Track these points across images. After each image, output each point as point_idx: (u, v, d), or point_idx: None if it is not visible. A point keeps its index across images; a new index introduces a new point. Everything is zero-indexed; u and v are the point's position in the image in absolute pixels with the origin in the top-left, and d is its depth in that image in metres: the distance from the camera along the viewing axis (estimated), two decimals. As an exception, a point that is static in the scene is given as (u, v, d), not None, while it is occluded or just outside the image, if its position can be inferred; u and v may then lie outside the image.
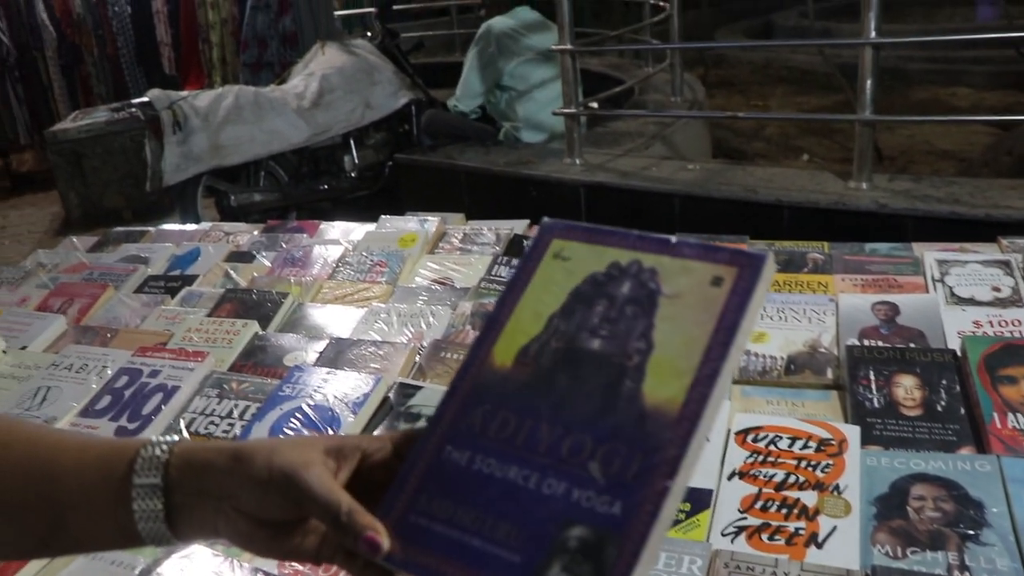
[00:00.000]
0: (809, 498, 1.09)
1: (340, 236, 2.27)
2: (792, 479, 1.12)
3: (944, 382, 1.27)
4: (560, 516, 0.59)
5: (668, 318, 0.64)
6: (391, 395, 1.43)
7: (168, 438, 0.66)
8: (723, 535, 1.06)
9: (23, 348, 1.80)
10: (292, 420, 1.38)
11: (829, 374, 1.38)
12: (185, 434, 1.43)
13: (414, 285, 1.89)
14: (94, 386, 1.58)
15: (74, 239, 2.56)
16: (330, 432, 1.34)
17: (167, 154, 4.21)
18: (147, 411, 1.49)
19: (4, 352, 1.75)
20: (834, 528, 1.04)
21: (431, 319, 1.69)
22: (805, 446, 1.17)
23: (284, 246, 2.20)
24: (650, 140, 4.21)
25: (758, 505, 1.09)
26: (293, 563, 1.07)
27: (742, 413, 1.28)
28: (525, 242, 1.96)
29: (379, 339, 1.64)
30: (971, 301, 1.55)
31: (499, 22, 4.43)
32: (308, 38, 5.62)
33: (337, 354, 1.59)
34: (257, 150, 4.44)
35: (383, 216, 2.32)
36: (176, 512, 0.64)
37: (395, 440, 0.68)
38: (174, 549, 1.12)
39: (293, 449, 0.63)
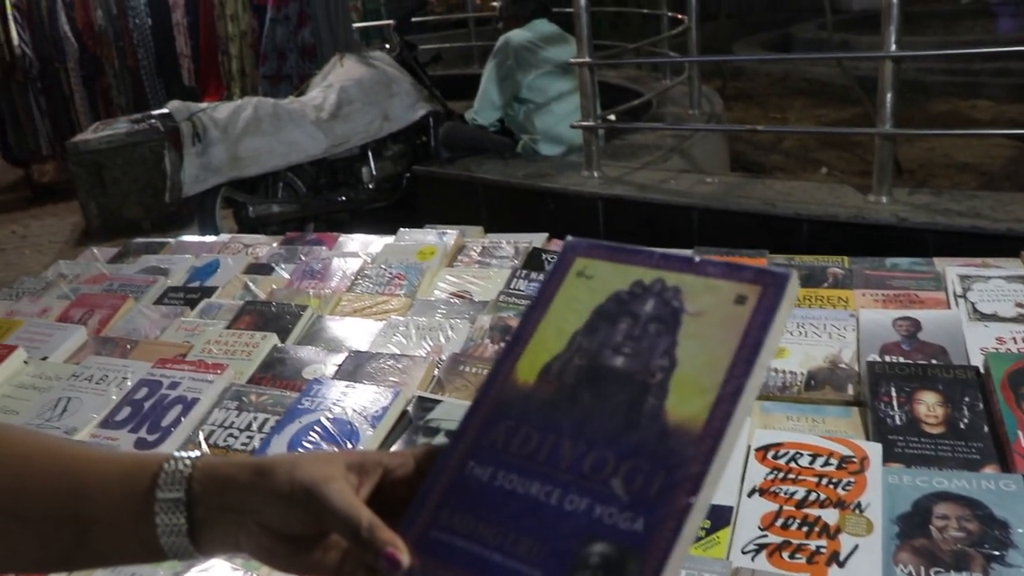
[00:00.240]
0: (830, 516, 1.08)
1: (359, 248, 2.27)
2: (813, 496, 1.11)
3: (967, 399, 1.26)
4: (582, 532, 0.59)
5: (691, 336, 0.64)
6: (410, 409, 1.43)
7: (191, 453, 0.66)
8: (743, 552, 1.05)
9: (44, 359, 1.81)
10: (311, 433, 1.38)
11: (850, 390, 1.37)
12: (204, 446, 1.43)
13: (433, 298, 1.89)
14: (114, 397, 1.59)
15: (94, 250, 2.58)
16: (349, 445, 1.34)
17: (186, 165, 4.24)
18: (166, 423, 1.50)
19: (25, 362, 1.77)
20: (856, 547, 1.03)
21: (450, 332, 1.69)
22: (826, 463, 1.16)
23: (303, 258, 2.21)
24: (668, 153, 4.21)
25: (779, 522, 1.09)
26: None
27: (762, 429, 1.27)
28: (544, 255, 1.96)
29: (398, 352, 1.64)
30: (994, 317, 1.53)
31: (517, 35, 4.44)
32: (327, 50, 5.66)
33: (356, 367, 1.59)
34: (275, 161, 4.47)
35: (402, 229, 2.32)
36: (198, 526, 0.64)
37: (417, 457, 0.68)
38: (194, 563, 1.12)
39: (315, 464, 0.63)
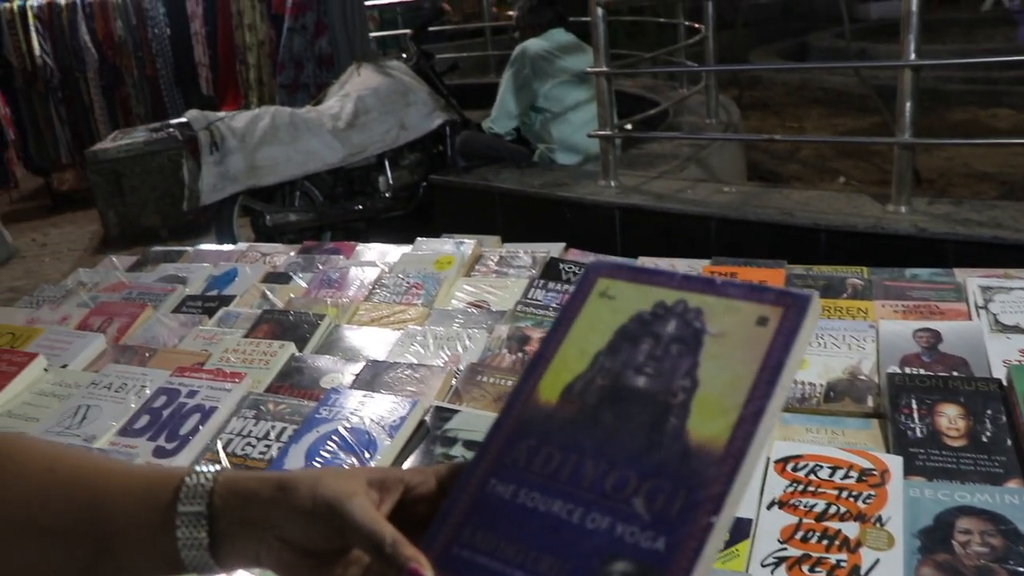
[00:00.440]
0: (851, 529, 1.07)
1: (376, 258, 2.27)
2: (833, 509, 1.10)
3: (989, 412, 1.25)
4: (604, 550, 0.59)
5: (713, 357, 0.64)
6: (427, 418, 1.42)
7: (213, 467, 0.66)
8: (763, 566, 1.05)
9: (64, 366, 1.82)
10: (328, 443, 1.38)
11: (869, 402, 1.36)
12: (222, 455, 1.43)
13: (450, 308, 1.89)
14: (133, 405, 1.60)
15: (113, 258, 2.59)
16: (367, 455, 1.34)
17: (204, 174, 4.27)
18: (185, 431, 1.50)
19: (46, 370, 1.78)
20: (877, 561, 1.02)
21: (467, 342, 1.69)
22: (846, 476, 1.15)
23: (320, 267, 2.21)
24: (685, 162, 4.20)
25: (798, 536, 1.08)
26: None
27: (781, 441, 1.26)
28: (561, 265, 1.96)
29: (415, 362, 1.64)
30: (1016, 329, 1.52)
31: (534, 44, 4.45)
32: (344, 59, 5.68)
33: (373, 376, 1.59)
34: (292, 170, 4.49)
35: (419, 238, 2.32)
36: (219, 540, 0.64)
37: (439, 475, 0.68)
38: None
39: (337, 479, 0.63)
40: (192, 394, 1.58)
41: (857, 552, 1.03)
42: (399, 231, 4.71)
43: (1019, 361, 1.39)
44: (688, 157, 4.29)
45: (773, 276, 1.83)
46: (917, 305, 1.64)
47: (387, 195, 4.93)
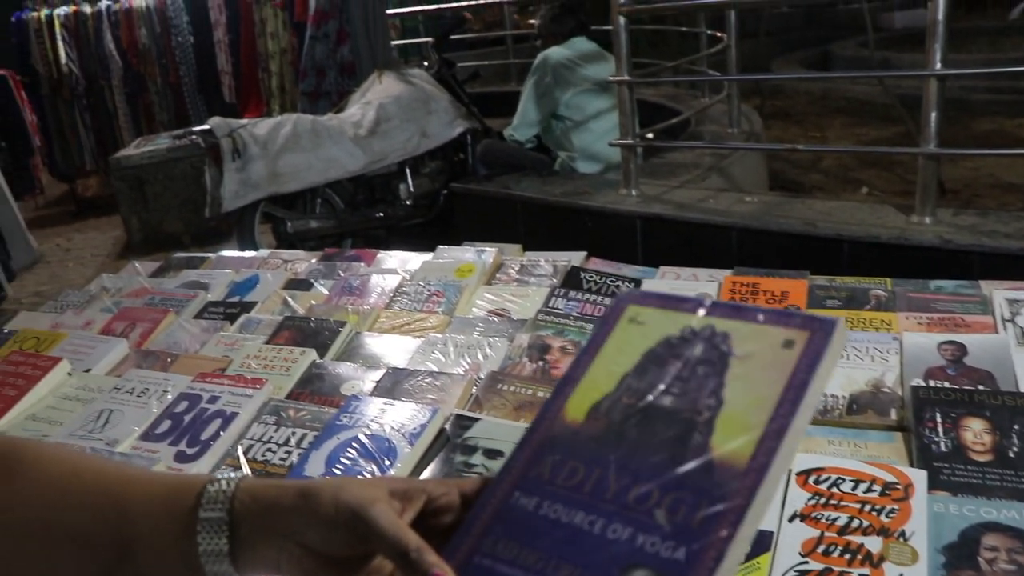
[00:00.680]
0: (873, 544, 1.06)
1: (397, 265, 2.28)
2: (856, 523, 1.09)
3: (1016, 427, 1.23)
4: (624, 560, 0.59)
5: (739, 377, 0.65)
6: (447, 426, 1.42)
7: (234, 474, 0.67)
8: (784, 580, 1.04)
9: (87, 371, 1.83)
10: (349, 450, 1.38)
11: (893, 415, 1.35)
12: (243, 460, 1.44)
13: (471, 316, 1.89)
14: (155, 410, 1.60)
15: (136, 264, 2.61)
16: (387, 463, 1.34)
17: (226, 181, 4.29)
18: (206, 436, 1.51)
19: (69, 374, 1.79)
20: (901, 576, 1.01)
21: (488, 350, 1.69)
22: (869, 489, 1.14)
23: (342, 274, 2.22)
24: (706, 171, 4.19)
25: (820, 549, 1.06)
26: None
27: (803, 453, 1.25)
28: (582, 274, 1.95)
29: (436, 370, 1.64)
30: (1043, 343, 1.50)
31: (556, 52, 4.45)
32: (365, 67, 5.71)
33: (394, 384, 1.59)
34: (314, 178, 4.51)
35: (440, 246, 2.32)
36: (240, 547, 0.64)
37: (464, 488, 0.68)
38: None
39: (359, 487, 0.63)
40: (213, 400, 1.59)
41: (880, 567, 1.02)
42: (420, 239, 4.73)
43: (1046, 375, 1.38)
44: (710, 166, 4.27)
45: (795, 287, 1.81)
46: (942, 317, 1.62)
47: (408, 203, 4.94)
